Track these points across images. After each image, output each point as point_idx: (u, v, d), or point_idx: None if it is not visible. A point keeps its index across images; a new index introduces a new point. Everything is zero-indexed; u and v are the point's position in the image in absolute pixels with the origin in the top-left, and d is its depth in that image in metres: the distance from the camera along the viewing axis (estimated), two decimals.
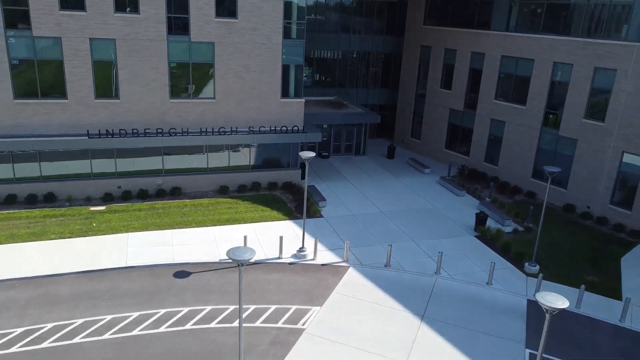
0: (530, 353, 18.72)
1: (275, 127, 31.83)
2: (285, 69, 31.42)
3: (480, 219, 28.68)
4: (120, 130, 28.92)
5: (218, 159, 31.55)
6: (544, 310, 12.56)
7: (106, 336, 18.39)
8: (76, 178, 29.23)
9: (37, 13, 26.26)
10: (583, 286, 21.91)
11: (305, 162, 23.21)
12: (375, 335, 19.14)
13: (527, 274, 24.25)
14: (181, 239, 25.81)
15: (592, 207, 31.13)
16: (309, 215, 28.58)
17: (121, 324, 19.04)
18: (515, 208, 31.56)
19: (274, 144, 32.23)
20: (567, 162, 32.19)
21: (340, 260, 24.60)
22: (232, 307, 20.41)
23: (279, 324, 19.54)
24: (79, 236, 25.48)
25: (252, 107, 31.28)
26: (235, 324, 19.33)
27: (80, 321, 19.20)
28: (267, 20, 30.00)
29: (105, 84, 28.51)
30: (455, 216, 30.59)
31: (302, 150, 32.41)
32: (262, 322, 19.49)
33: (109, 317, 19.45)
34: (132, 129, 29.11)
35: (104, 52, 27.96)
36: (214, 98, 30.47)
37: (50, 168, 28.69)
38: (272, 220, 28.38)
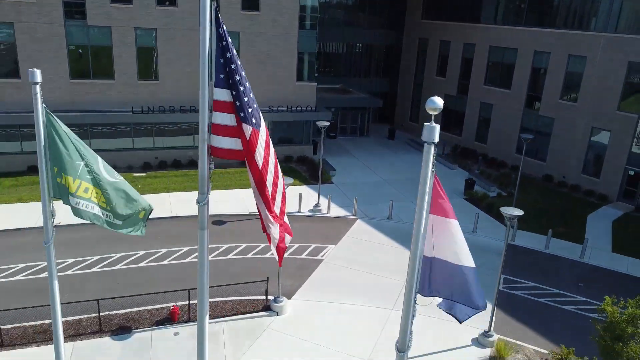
0: (504, 277, 23.36)
1: (291, 106, 36.44)
2: (300, 56, 36.05)
3: (469, 184, 33.35)
4: (159, 107, 33.53)
5: None
6: (505, 217, 17.18)
7: (165, 262, 23.01)
8: (120, 150, 33.82)
9: (91, 5, 30.87)
10: (550, 230, 26.62)
11: (322, 130, 27.82)
12: (379, 263, 23.79)
13: (506, 225, 28.84)
14: (214, 198, 30.29)
15: (567, 176, 35.79)
16: (321, 182, 33.19)
17: (175, 255, 23.67)
18: (500, 178, 36.20)
19: (290, 121, 36.81)
20: (546, 138, 36.84)
21: (349, 214, 29.24)
22: (262, 245, 25.02)
23: (303, 256, 24.19)
24: None
25: (271, 89, 35.88)
26: (267, 255, 23.95)
27: (141, 252, 23.80)
28: (285, 13, 34.63)
29: (147, 67, 33.13)
30: (448, 184, 35.16)
31: (313, 127, 36.99)
32: (289, 255, 24.08)
33: (164, 250, 24.06)
34: (170, 107, 33.72)
35: (146, 39, 32.59)
36: None
37: (98, 140, 33.29)
38: (290, 186, 32.93)
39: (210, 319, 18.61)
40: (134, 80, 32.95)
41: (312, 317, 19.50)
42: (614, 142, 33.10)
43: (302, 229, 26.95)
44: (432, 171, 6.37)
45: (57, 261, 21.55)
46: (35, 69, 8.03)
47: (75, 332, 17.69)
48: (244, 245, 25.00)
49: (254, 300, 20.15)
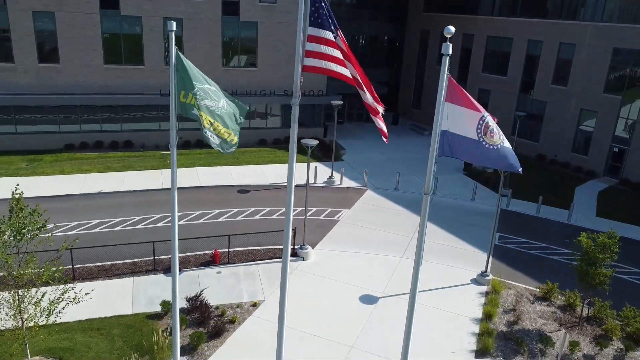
0: (499, 235, 26.47)
1: (305, 90, 39.43)
2: None
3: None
4: None
5: (258, 118, 39.20)
6: (499, 171, 20.24)
7: (200, 221, 26.07)
8: (148, 130, 36.85)
9: None
10: (541, 197, 29.75)
11: (335, 107, 30.88)
12: (389, 223, 26.87)
13: (502, 195, 31.94)
14: (237, 171, 33.53)
15: (558, 155, 38.88)
16: (334, 159, 36.24)
17: (208, 216, 26.72)
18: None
19: (303, 105, 39.78)
20: (538, 121, 39.92)
21: (360, 185, 32.33)
22: (284, 209, 28.05)
23: (321, 217, 27.28)
24: (158, 169, 33.16)
25: (286, 75, 38.89)
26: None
27: (178, 214, 26.79)
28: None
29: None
30: (448, 162, 38.23)
31: (325, 111, 40.01)
32: (309, 216, 27.14)
33: (198, 212, 27.12)
34: None
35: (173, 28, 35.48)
36: (256, 67, 38.15)
37: (128, 121, 36.32)
38: (304, 162, 36.02)
39: (246, 262, 21.82)
40: (161, 65, 35.96)
41: (333, 262, 22.59)
42: (600, 122, 36.20)
43: (319, 197, 30.02)
44: (447, 74, 8.92)
45: (104, 220, 24.64)
46: (173, 21, 10.76)
47: (133, 270, 20.76)
48: (268, 209, 28.08)
49: (282, 248, 23.20)
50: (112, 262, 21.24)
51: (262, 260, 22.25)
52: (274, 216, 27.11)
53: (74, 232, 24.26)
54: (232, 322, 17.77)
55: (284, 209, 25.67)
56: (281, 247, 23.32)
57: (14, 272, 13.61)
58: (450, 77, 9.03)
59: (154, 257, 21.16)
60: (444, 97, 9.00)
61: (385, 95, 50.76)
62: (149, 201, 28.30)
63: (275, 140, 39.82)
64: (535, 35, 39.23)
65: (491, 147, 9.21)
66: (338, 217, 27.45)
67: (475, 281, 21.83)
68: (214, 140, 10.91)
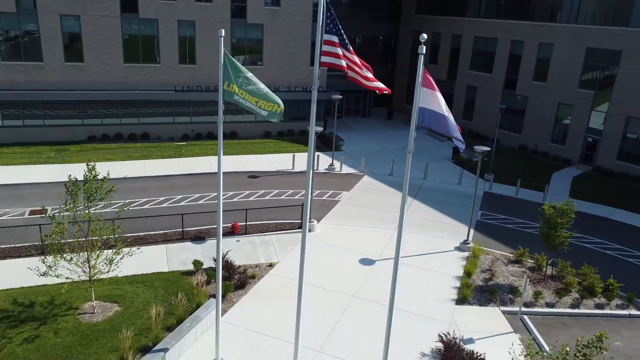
0: (481, 212, 30.00)
1: (305, 87, 42.89)
2: (314, 44, 42.42)
3: (455, 150, 40.00)
4: (196, 87, 39.92)
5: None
6: (476, 151, 23.78)
7: (216, 201, 29.40)
8: (163, 124, 40.19)
9: (142, 1, 37.20)
10: (519, 180, 33.32)
11: (335, 101, 34.33)
12: (383, 203, 30.35)
13: (485, 180, 35.54)
14: (246, 160, 36.92)
15: (538, 146, 42.48)
16: (333, 149, 39.72)
17: (224, 197, 30.08)
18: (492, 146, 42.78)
19: (304, 100, 43.25)
20: (521, 114, 43.52)
21: (358, 171, 35.81)
22: (290, 191, 31.51)
23: (323, 198, 30.73)
24: (175, 157, 36.51)
25: (289, 73, 42.32)
26: (297, 196, 30.44)
27: (196, 195, 30.23)
28: (301, 8, 41.08)
29: (187, 53, 39.49)
30: (438, 151, 41.94)
31: (324, 106, 43.37)
32: (314, 197, 30.57)
33: (213, 194, 30.47)
34: (205, 86, 40.10)
35: (186, 30, 38.95)
36: (262, 65, 41.55)
37: (145, 115, 39.64)
38: (305, 152, 39.48)
39: (261, 233, 25.26)
40: (175, 64, 39.30)
41: (336, 233, 26.04)
42: (575, 115, 39.83)
43: (321, 181, 33.46)
44: (422, 67, 12.24)
45: (134, 200, 27.75)
46: (222, 29, 14.06)
47: (165, 239, 24.14)
48: (276, 190, 31.51)
49: (291, 222, 26.65)
50: (146, 233, 24.60)
51: (274, 231, 25.67)
52: (282, 197, 30.54)
53: (107, 209, 27.57)
54: (252, 277, 21.20)
55: (290, 191, 28.96)
56: (290, 221, 26.85)
57: (88, 231, 16.98)
58: (425, 69, 12.40)
59: (183, 228, 24.55)
60: (420, 82, 12.36)
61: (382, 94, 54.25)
62: (170, 185, 31.68)
63: (279, 132, 43.23)
64: (518, 36, 42.82)
65: (452, 120, 12.70)
66: (339, 198, 30.93)
67: (459, 248, 25.33)
68: (262, 113, 14.14)
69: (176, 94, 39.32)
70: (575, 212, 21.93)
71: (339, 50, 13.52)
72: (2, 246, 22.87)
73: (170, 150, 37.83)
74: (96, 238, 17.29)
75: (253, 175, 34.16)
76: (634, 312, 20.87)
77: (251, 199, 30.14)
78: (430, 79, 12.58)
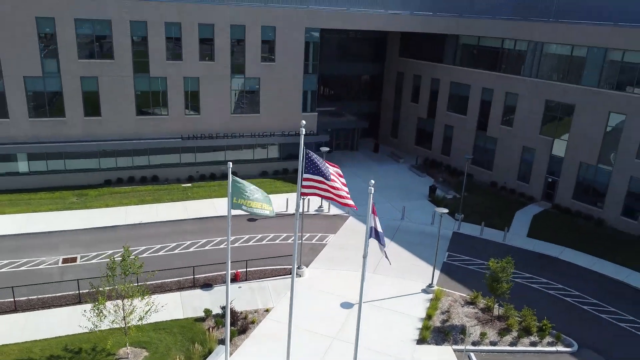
0: (449, 253, 34.98)
1: (298, 132, 47.73)
2: (305, 93, 47.48)
3: (432, 189, 44.99)
4: (200, 134, 44.81)
5: (261, 153, 47.52)
6: (438, 213, 28.70)
7: (222, 246, 34.32)
8: (170, 166, 45.06)
9: (153, 63, 42.07)
10: (483, 222, 38.31)
11: (323, 154, 39.24)
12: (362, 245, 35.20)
13: (455, 219, 40.51)
14: None
15: (507, 183, 47.51)
16: None
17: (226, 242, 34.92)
18: (457, 184, 47.82)
19: (297, 142, 48.19)
20: (492, 153, 48.54)
21: (344, 212, 40.74)
22: (284, 234, 36.40)
23: (313, 241, 35.66)
24: (182, 200, 41.37)
25: (283, 119, 47.22)
26: (290, 241, 35.35)
27: (203, 240, 35.12)
28: (293, 63, 46.01)
29: (192, 105, 44.38)
30: (417, 189, 46.91)
31: (315, 147, 48.27)
32: (305, 240, 35.47)
33: (217, 239, 35.36)
34: (208, 134, 45.00)
35: (192, 85, 43.81)
36: (259, 113, 46.47)
37: (154, 159, 44.49)
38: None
39: (259, 279, 30.09)
40: (182, 115, 44.17)
41: (321, 278, 30.96)
42: (537, 157, 44.84)
43: (311, 223, 38.34)
44: (372, 202, 17.34)
45: (149, 246, 32.38)
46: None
47: (179, 287, 29.01)
48: (272, 235, 36.41)
49: (285, 268, 31.56)
50: (163, 281, 29.46)
51: (270, 277, 30.60)
52: (277, 241, 35.44)
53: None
54: (252, 322, 26.11)
55: (284, 235, 33.92)
56: (284, 266, 31.78)
57: (123, 294, 21.90)
58: (373, 204, 17.26)
59: (194, 276, 29.46)
60: (370, 211, 17.23)
61: (369, 125, 59.29)
62: (180, 230, 36.54)
63: (275, 171, 48.14)
64: (488, 84, 47.83)
65: (382, 233, 17.73)
66: (326, 241, 35.86)
67: (425, 290, 30.28)
68: (264, 213, 19.04)
69: (182, 142, 44.20)
70: (513, 268, 26.89)
71: (317, 184, 18.43)
72: (45, 295, 27.69)
73: (178, 193, 42.69)
74: (130, 301, 22.18)
75: (251, 218, 39.04)
76: (560, 348, 25.86)
77: (250, 243, 35.03)
78: (374, 207, 17.58)
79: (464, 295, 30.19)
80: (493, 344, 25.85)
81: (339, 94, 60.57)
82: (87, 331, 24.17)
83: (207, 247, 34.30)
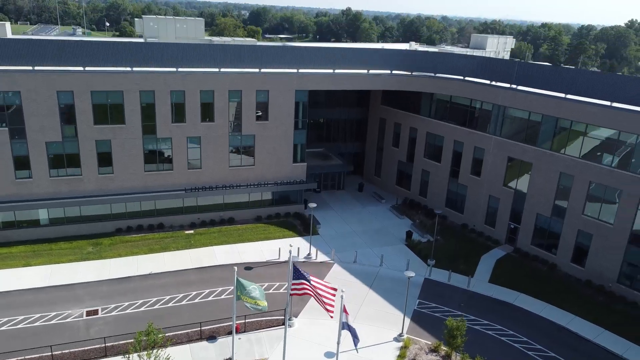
0: (419, 301, 40.54)
1: (289, 180, 53.22)
2: (295, 147, 52.88)
3: (408, 234, 50.58)
4: (202, 186, 50.08)
5: (255, 199, 52.88)
6: (406, 276, 34.24)
7: (222, 297, 39.62)
8: (175, 214, 50.32)
9: (160, 126, 47.31)
10: (450, 270, 43.95)
11: (312, 213, 44.72)
12: (348, 296, 40.66)
13: (428, 265, 46.09)
14: (242, 249, 47.13)
15: (475, 226, 53.19)
16: (311, 234, 50.03)
17: (227, 292, 40.26)
18: (432, 226, 53.44)
19: (288, 190, 53.64)
20: (463, 199, 54.20)
21: (329, 259, 46.20)
22: (277, 284, 41.72)
23: None
24: (186, 249, 46.63)
25: (276, 170, 52.59)
26: (281, 290, 40.69)
27: (206, 291, 40.42)
28: (284, 122, 51.40)
29: (194, 160, 49.64)
30: (396, 232, 52.47)
31: (304, 194, 53.71)
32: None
33: (219, 289, 40.66)
34: (209, 186, 50.28)
35: (194, 143, 49.07)
36: (254, 165, 51.81)
37: (160, 208, 49.72)
38: (290, 237, 49.80)
39: (256, 330, 35.45)
40: (185, 169, 49.42)
41: (309, 328, 36.37)
42: (501, 205, 50.55)
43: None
44: (343, 305, 22.84)
45: (159, 298, 37.54)
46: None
47: (188, 339, 34.31)
48: (266, 284, 41.75)
49: (277, 319, 36.95)
50: (174, 333, 34.69)
51: (265, 328, 35.99)
52: (271, 290, 40.77)
53: (142, 309, 37.70)
54: None
55: (277, 284, 39.55)
56: (277, 317, 37.16)
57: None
58: (344, 307, 22.76)
59: (201, 328, 34.78)
60: (342, 310, 22.68)
61: (355, 164, 64.81)
62: (185, 281, 41.77)
63: (268, 215, 53.50)
64: (459, 137, 53.47)
65: (353, 328, 23.29)
66: None
67: (396, 339, 35.80)
68: (258, 308, 24.53)
69: (185, 194, 49.47)
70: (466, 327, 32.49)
71: (303, 286, 23.91)
72: (77, 349, 32.85)
73: (182, 241, 47.93)
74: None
75: (248, 266, 44.35)
76: None
77: None
78: (346, 308, 23.09)
79: (429, 343, 35.75)
80: None
81: (327, 136, 66.06)
82: None
83: (210, 298, 39.61)
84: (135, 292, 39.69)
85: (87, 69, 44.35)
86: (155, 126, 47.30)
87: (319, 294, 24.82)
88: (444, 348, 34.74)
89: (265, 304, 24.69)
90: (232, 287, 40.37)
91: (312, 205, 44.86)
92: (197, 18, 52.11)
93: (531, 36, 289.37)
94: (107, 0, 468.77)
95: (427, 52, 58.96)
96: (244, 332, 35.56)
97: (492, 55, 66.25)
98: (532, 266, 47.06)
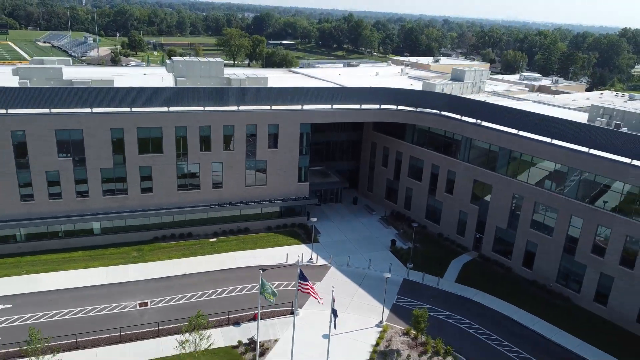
0: (398, 297, 51.47)
1: (294, 197, 64.20)
2: (300, 169, 63.88)
3: (393, 242, 61.57)
4: (223, 202, 61.10)
5: (267, 212, 63.91)
6: (384, 276, 45.21)
7: (244, 293, 50.61)
8: (201, 225, 61.37)
9: (190, 153, 58.33)
10: (424, 272, 54.89)
11: (313, 225, 55.63)
12: (340, 290, 51.65)
13: (407, 268, 57.01)
14: (257, 254, 58.13)
15: (449, 235, 64.10)
16: (313, 241, 60.90)
17: (247, 288, 51.22)
18: (414, 235, 64.34)
19: (294, 205, 64.64)
20: (439, 212, 65.05)
21: (327, 263, 57.17)
22: (285, 282, 52.66)
23: None
24: (212, 254, 57.65)
25: (284, 189, 63.56)
26: (290, 287, 51.63)
27: (229, 288, 51.42)
28: (292, 148, 62.34)
29: (217, 181, 60.65)
30: (383, 240, 63.44)
31: (307, 207, 64.66)
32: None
33: (240, 287, 51.62)
34: (230, 202, 61.30)
35: (217, 167, 60.06)
36: (266, 184, 62.83)
37: (189, 219, 60.79)
38: (295, 245, 60.79)
39: (270, 318, 46.59)
40: (210, 188, 60.45)
41: (313, 316, 47.31)
42: (469, 218, 61.41)
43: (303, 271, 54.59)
44: (333, 317, 33.76)
45: (194, 293, 48.81)
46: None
47: (219, 325, 45.30)
48: (277, 282, 52.72)
49: (286, 309, 47.89)
50: (209, 320, 45.61)
51: (277, 316, 46.95)
52: (281, 288, 51.77)
53: (181, 301, 48.69)
54: (267, 348, 42.46)
55: (285, 282, 50.90)
56: (286, 308, 48.19)
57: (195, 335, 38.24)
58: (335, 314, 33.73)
59: (229, 316, 45.77)
60: (331, 309, 33.63)
61: (350, 179, 75.76)
62: (213, 279, 52.74)
63: (277, 226, 64.55)
64: (435, 161, 64.33)
65: (336, 312, 34.29)
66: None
67: (377, 325, 46.71)
68: (270, 301, 35.51)
69: (210, 208, 60.51)
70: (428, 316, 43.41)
71: (306, 285, 34.91)
72: (133, 332, 43.80)
73: (208, 247, 58.95)
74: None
75: (262, 268, 55.14)
76: None
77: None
78: (338, 300, 34.07)
79: (403, 328, 46.65)
80: None
81: (327, 155, 77.02)
82: (170, 355, 40.44)
83: (233, 293, 50.61)
84: (174, 288, 50.69)
85: (133, 109, 55.36)
86: (187, 154, 58.29)
87: (313, 292, 35.90)
88: (413, 332, 45.67)
89: (274, 298, 35.77)
90: (250, 285, 51.77)
91: (314, 219, 55.85)
92: (217, 59, 63.29)
93: (527, 44, 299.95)
94: (115, 5, 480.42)
95: (410, 90, 69.89)
96: (262, 319, 46.55)
97: (469, 85, 77.11)
98: (492, 269, 57.94)
